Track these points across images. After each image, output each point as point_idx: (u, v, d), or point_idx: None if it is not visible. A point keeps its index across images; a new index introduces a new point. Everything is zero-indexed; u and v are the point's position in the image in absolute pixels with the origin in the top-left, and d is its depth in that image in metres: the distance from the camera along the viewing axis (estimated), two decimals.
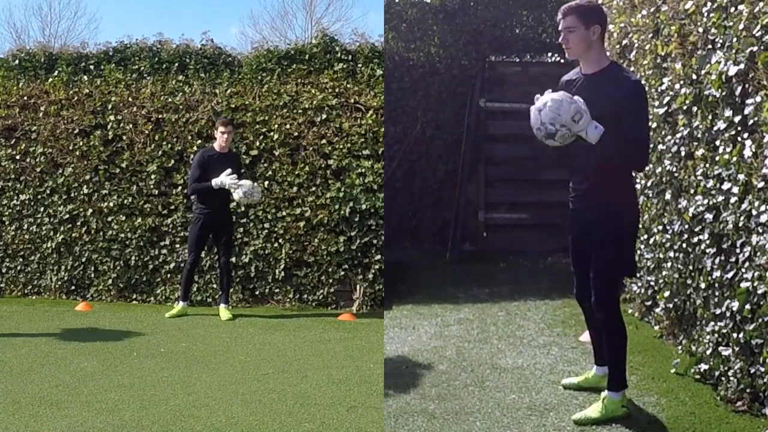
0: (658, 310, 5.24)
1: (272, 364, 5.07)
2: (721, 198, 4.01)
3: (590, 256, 3.80)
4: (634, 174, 4.86)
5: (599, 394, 3.93)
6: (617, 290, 3.87)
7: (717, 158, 4.04)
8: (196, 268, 6.92)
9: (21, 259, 8.03)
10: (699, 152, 4.33)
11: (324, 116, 7.28)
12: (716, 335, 4.14)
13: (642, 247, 5.50)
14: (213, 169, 6.61)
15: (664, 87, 4.84)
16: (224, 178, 6.54)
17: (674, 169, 4.77)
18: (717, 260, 4.11)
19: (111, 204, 7.68)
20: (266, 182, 7.33)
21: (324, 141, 7.27)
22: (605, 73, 3.69)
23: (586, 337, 4.86)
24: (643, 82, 5.25)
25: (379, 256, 7.18)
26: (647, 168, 5.28)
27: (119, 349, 5.49)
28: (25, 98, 7.98)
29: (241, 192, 6.53)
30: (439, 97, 8.70)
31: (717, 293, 4.12)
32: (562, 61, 8.35)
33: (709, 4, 4.12)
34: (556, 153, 3.98)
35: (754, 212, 3.62)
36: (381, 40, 7.60)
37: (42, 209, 7.91)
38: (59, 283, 7.87)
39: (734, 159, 3.82)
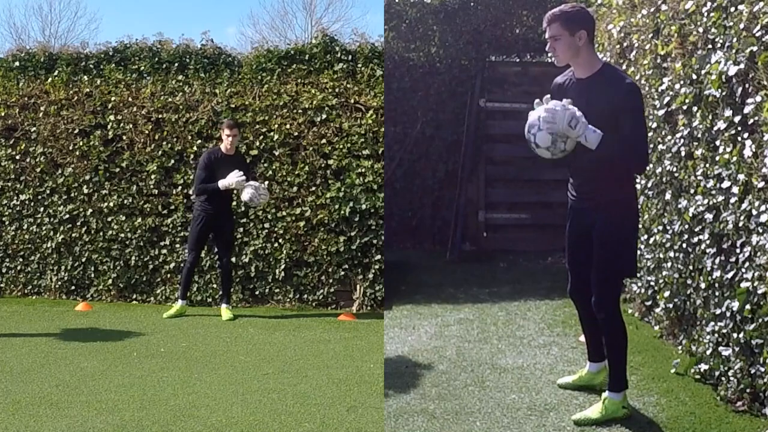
0: (658, 310, 5.24)
1: (272, 364, 5.07)
2: (721, 198, 4.01)
3: (588, 255, 3.81)
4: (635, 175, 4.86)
5: (599, 395, 3.93)
6: (618, 291, 3.87)
7: (717, 158, 4.04)
8: (196, 266, 6.92)
9: (21, 259, 8.03)
10: (699, 152, 4.33)
11: (324, 116, 7.28)
12: (716, 335, 4.14)
13: (642, 247, 5.50)
14: (219, 171, 6.61)
15: (664, 87, 4.84)
16: (232, 179, 6.53)
17: (674, 169, 4.77)
18: (717, 260, 4.11)
19: (111, 204, 7.68)
20: (266, 182, 7.33)
21: (324, 141, 7.27)
22: (599, 76, 3.66)
23: None
24: (642, 82, 5.27)
25: (379, 256, 7.18)
26: (647, 168, 5.29)
27: (119, 349, 5.49)
28: (25, 98, 7.98)
29: (248, 193, 6.52)
30: (439, 97, 8.69)
31: (717, 293, 4.12)
32: None
33: (709, 4, 4.12)
34: None
35: (754, 212, 3.62)
36: (381, 40, 7.60)
37: (42, 209, 7.91)
38: (59, 283, 7.87)
39: (734, 159, 3.82)
